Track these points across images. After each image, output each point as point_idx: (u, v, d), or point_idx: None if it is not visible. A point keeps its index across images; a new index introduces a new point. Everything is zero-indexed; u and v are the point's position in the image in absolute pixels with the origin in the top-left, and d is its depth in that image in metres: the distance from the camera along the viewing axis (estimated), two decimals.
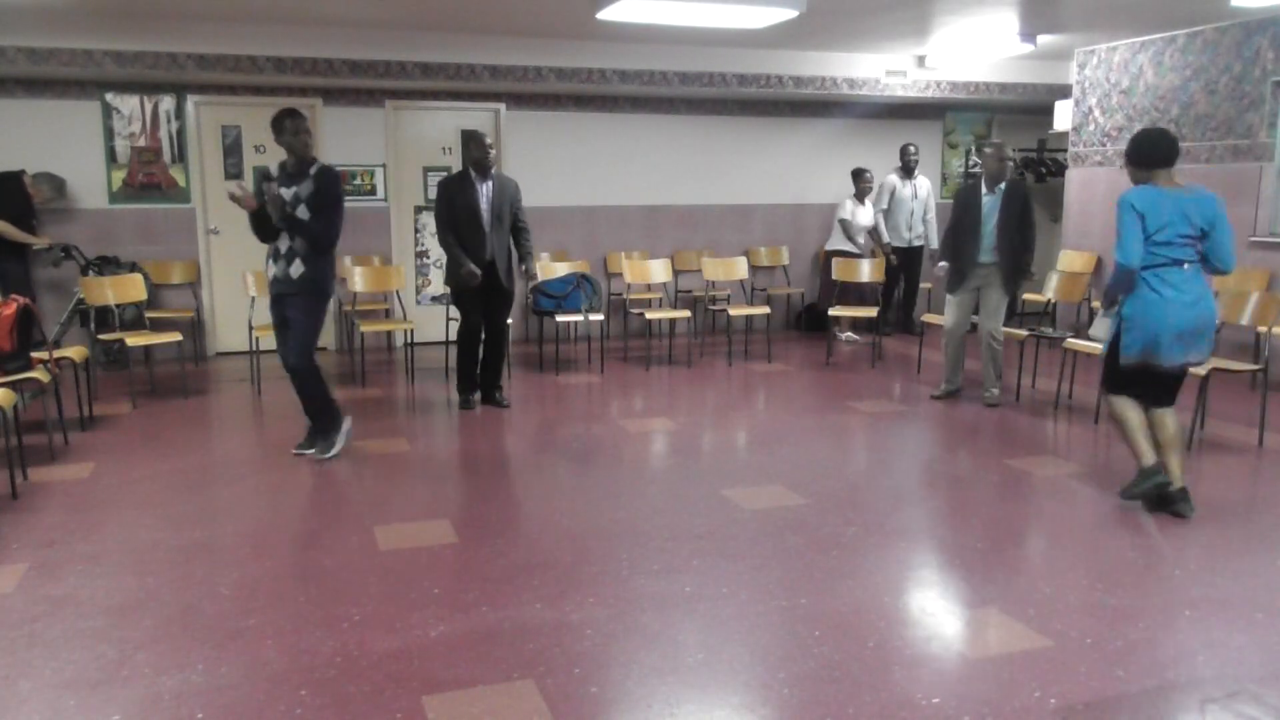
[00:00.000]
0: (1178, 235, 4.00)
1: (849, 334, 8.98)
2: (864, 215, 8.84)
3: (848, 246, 8.70)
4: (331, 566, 3.64)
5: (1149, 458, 4.18)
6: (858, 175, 8.81)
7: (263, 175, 4.95)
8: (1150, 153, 4.10)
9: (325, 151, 8.27)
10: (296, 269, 4.87)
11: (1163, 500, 4.20)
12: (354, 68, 7.55)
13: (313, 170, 4.86)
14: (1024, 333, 6.54)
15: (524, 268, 6.22)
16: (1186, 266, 4.03)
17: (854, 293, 8.42)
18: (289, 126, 4.82)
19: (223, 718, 2.60)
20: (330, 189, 4.82)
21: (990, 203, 6.13)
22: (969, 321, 6.37)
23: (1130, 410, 4.25)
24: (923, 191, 9.03)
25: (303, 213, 4.79)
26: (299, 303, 4.91)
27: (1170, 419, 4.26)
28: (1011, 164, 6.78)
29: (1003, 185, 6.13)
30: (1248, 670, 2.85)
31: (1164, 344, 4.06)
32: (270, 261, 4.99)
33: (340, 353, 8.43)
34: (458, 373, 6.33)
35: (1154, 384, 4.23)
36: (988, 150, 6.20)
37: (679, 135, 9.30)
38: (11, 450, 4.61)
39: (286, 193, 4.80)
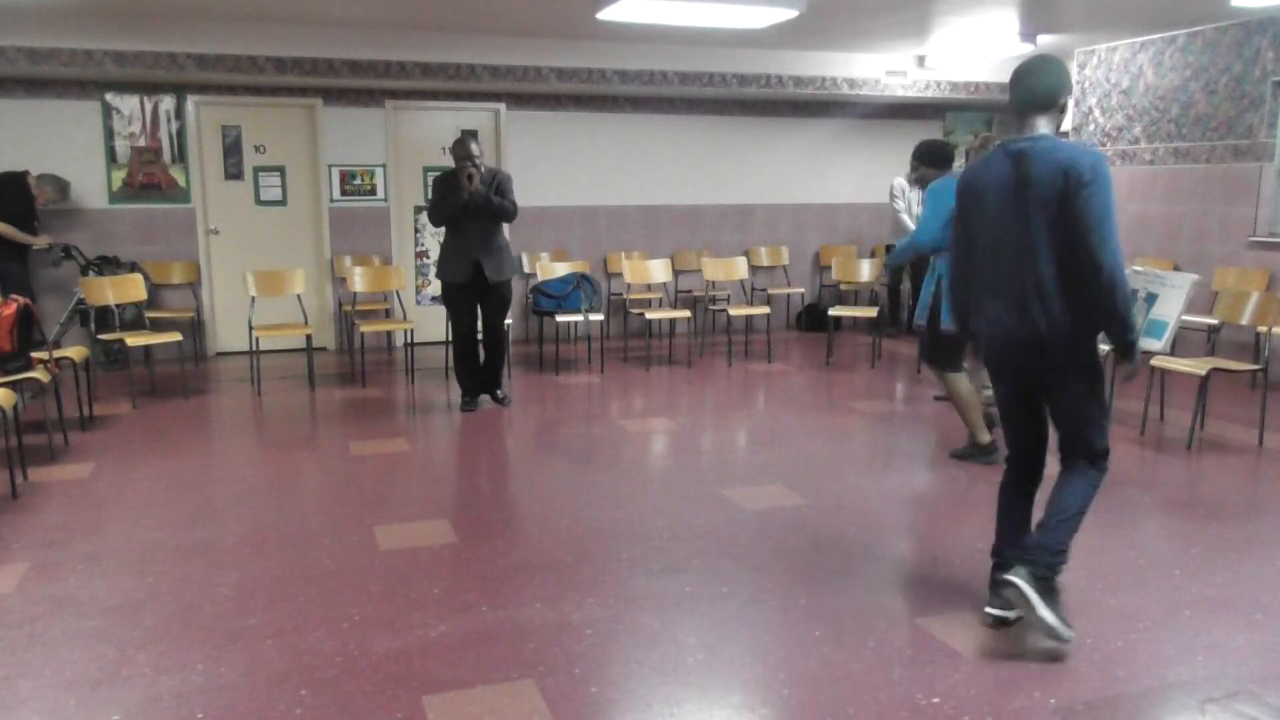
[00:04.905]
0: None
1: None
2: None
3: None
4: (331, 566, 3.64)
5: (986, 434, 4.95)
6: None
7: None
8: (946, 155, 5.15)
9: (325, 151, 8.29)
10: None
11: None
12: (354, 68, 7.56)
13: None
14: None
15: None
16: None
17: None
18: None
19: (223, 718, 2.60)
20: None
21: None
22: None
23: (969, 386, 4.96)
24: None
25: None
26: None
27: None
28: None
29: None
30: (1248, 670, 2.85)
31: None
32: None
33: (340, 353, 8.43)
34: (457, 376, 6.38)
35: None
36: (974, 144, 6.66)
37: (679, 135, 9.29)
38: (11, 450, 4.61)
39: None
